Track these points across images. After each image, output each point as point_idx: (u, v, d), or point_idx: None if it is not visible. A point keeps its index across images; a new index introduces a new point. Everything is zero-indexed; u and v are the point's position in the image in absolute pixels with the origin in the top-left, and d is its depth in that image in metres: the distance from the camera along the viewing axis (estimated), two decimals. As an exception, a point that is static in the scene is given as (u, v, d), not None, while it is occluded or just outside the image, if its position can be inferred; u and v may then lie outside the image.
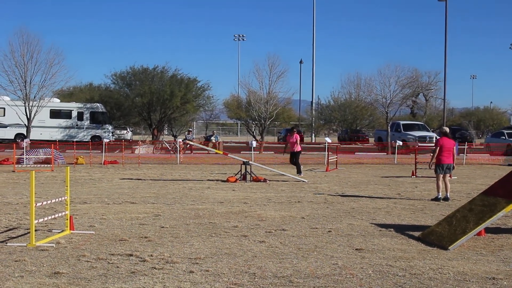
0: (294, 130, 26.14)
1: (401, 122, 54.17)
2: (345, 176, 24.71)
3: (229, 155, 24.80)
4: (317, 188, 19.83)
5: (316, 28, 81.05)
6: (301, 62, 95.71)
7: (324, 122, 78.47)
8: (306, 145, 55.81)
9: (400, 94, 50.59)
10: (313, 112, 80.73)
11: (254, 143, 36.02)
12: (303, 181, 21.85)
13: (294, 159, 25.07)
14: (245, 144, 52.12)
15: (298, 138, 25.55)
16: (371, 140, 68.35)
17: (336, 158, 30.93)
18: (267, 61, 53.08)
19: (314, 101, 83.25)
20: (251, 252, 9.39)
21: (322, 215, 13.57)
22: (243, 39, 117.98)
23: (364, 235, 10.97)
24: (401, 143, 36.15)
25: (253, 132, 61.11)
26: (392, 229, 11.61)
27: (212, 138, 49.75)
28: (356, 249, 9.69)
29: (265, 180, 21.67)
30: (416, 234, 11.04)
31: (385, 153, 44.63)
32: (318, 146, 51.23)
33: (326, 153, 32.03)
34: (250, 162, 22.71)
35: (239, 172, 22.28)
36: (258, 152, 42.82)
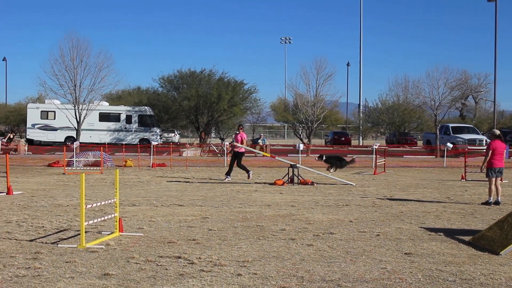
0: (241, 127, 24.95)
1: (450, 125, 53.52)
2: (393, 179, 24.48)
3: (276, 157, 24.71)
4: (365, 191, 19.68)
5: (363, 30, 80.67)
6: (348, 64, 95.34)
7: (371, 125, 77.83)
8: (354, 148, 55.52)
9: (449, 96, 50.04)
10: (361, 115, 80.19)
11: (302, 146, 35.92)
12: (351, 184, 21.69)
13: (237, 161, 23.70)
14: (292, 147, 52.08)
15: (245, 138, 24.36)
16: (420, 143, 67.59)
17: (384, 161, 30.70)
18: (314, 63, 53.05)
19: (361, 104, 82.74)
20: (299, 256, 9.35)
21: (370, 218, 13.46)
22: (290, 42, 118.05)
23: (413, 239, 10.84)
24: (451, 146, 35.64)
25: (300, 135, 61.02)
26: (441, 233, 11.45)
27: (259, 141, 49.85)
28: (405, 253, 9.58)
29: (312, 183, 21.58)
30: (467, 238, 10.87)
31: (434, 156, 44.15)
32: (366, 149, 50.89)
33: (374, 156, 31.78)
34: (297, 165, 22.64)
35: (287, 175, 22.23)
36: (305, 155, 42.73)
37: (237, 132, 24.56)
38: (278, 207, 15.27)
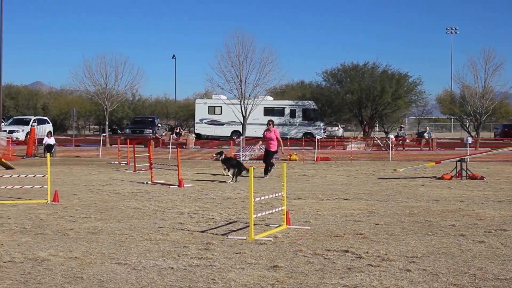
0: (271, 122, 22.62)
1: None
2: None
3: (442, 162, 23.62)
4: (540, 186, 18.74)
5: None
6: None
7: (546, 117, 74.19)
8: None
9: None
10: (533, 106, 76.47)
11: (470, 140, 34.81)
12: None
13: (267, 158, 22.15)
14: (459, 141, 50.61)
15: (278, 134, 22.35)
16: None
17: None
18: (482, 54, 51.11)
19: (534, 95, 78.86)
20: (470, 252, 9.06)
21: (547, 215, 12.80)
22: (456, 32, 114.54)
23: None
24: None
25: (467, 128, 59.13)
26: None
27: (425, 134, 48.72)
28: None
29: (482, 178, 20.84)
30: None
31: None
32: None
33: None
34: (466, 158, 21.93)
35: (454, 169, 21.61)
36: (473, 148, 41.34)
37: (268, 128, 22.37)
38: (446, 202, 14.87)
